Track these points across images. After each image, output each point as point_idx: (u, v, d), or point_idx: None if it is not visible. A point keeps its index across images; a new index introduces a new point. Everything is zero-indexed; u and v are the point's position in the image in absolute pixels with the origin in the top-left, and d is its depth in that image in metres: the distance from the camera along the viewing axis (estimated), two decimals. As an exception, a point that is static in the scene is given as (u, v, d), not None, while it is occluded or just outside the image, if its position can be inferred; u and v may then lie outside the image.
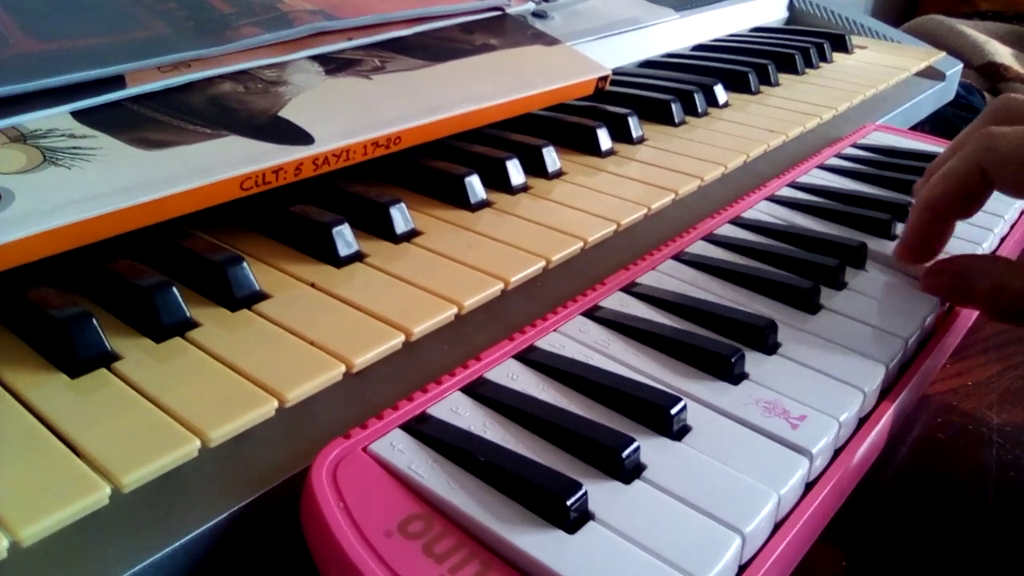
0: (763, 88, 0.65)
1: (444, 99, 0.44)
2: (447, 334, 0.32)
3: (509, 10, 0.56)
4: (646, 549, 0.23)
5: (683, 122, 0.56)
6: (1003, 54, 1.27)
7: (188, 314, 0.31)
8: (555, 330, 0.33)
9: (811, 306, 0.35)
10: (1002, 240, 0.45)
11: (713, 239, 0.41)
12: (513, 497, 0.24)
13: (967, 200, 0.35)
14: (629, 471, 0.25)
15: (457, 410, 0.28)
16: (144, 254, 0.34)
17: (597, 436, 0.26)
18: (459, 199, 0.42)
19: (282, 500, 0.25)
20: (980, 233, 0.43)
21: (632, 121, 0.53)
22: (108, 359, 0.29)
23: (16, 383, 0.27)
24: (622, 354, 0.31)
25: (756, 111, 0.60)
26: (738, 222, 0.43)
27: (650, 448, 0.27)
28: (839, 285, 0.37)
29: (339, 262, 0.36)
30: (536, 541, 0.23)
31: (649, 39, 0.69)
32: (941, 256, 0.38)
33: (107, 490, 0.23)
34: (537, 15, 0.61)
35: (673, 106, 0.56)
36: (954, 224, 0.37)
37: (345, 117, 0.40)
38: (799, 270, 0.37)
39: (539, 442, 0.27)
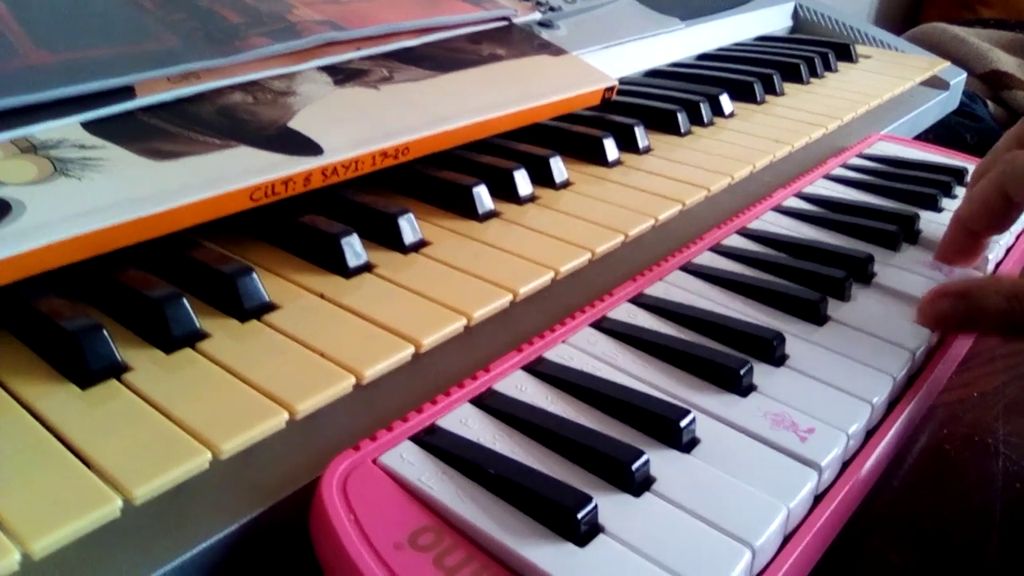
0: (768, 98, 0.65)
1: (451, 109, 0.44)
2: (456, 345, 0.33)
3: (515, 20, 0.56)
4: (656, 562, 0.23)
5: (689, 132, 0.56)
6: (1006, 62, 1.26)
7: (198, 325, 0.31)
8: (563, 341, 0.33)
9: (818, 318, 0.35)
10: (1008, 251, 0.45)
11: (720, 250, 0.41)
12: (523, 510, 0.24)
13: (993, 218, 0.38)
14: (639, 484, 0.26)
15: (466, 422, 0.28)
16: (154, 265, 0.34)
17: (606, 448, 0.26)
18: (467, 209, 0.42)
19: (292, 512, 0.25)
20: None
21: (638, 131, 0.53)
22: (118, 370, 0.29)
23: (26, 394, 0.27)
24: (630, 366, 0.32)
25: (761, 121, 0.60)
26: (745, 233, 0.43)
27: (659, 460, 0.27)
28: (846, 297, 0.37)
29: (348, 273, 0.36)
30: (546, 554, 0.23)
31: (655, 49, 0.69)
32: None
33: (118, 502, 0.23)
34: (543, 25, 0.61)
35: (679, 116, 0.56)
36: (987, 239, 0.41)
37: (353, 127, 0.40)
38: (806, 281, 0.37)
39: (548, 454, 0.27)
